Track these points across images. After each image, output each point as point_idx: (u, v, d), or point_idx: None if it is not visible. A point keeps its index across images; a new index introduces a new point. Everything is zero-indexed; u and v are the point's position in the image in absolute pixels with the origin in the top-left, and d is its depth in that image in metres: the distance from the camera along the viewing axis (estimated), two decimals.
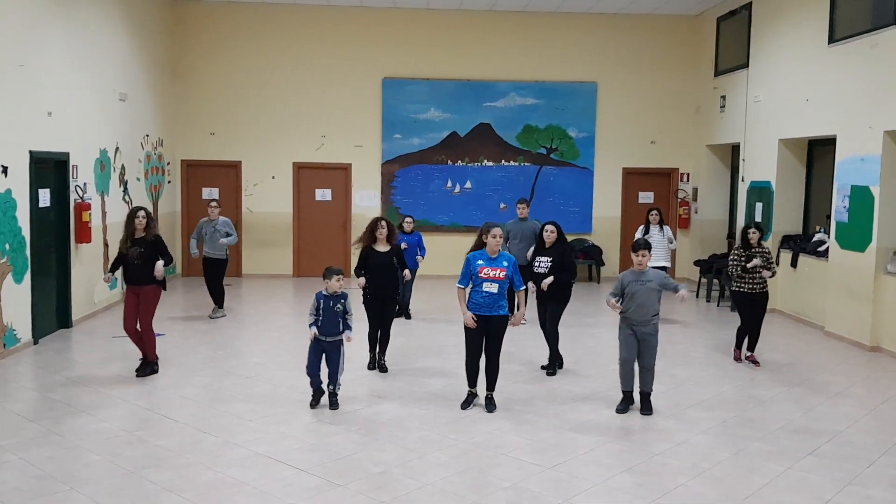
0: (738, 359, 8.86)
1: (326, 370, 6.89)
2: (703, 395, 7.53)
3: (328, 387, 6.89)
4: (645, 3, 13.91)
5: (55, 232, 9.75)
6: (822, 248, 10.90)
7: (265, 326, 10.52)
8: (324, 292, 6.80)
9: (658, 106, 15.03)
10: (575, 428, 6.51)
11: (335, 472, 5.49)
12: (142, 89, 12.72)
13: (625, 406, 6.96)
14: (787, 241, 11.89)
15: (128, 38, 12.07)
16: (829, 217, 10.75)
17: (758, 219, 12.39)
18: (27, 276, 8.89)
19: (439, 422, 6.60)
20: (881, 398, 7.57)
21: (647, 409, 6.92)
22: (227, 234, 10.69)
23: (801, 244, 11.57)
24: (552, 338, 8.19)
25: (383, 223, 8.15)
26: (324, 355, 6.85)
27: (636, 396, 7.01)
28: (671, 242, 10.99)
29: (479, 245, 6.99)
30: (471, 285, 6.84)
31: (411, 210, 14.69)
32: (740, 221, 12.99)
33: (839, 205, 10.17)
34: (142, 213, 7.78)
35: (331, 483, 5.30)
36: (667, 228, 11.05)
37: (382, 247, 8.10)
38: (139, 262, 7.69)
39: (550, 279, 8.04)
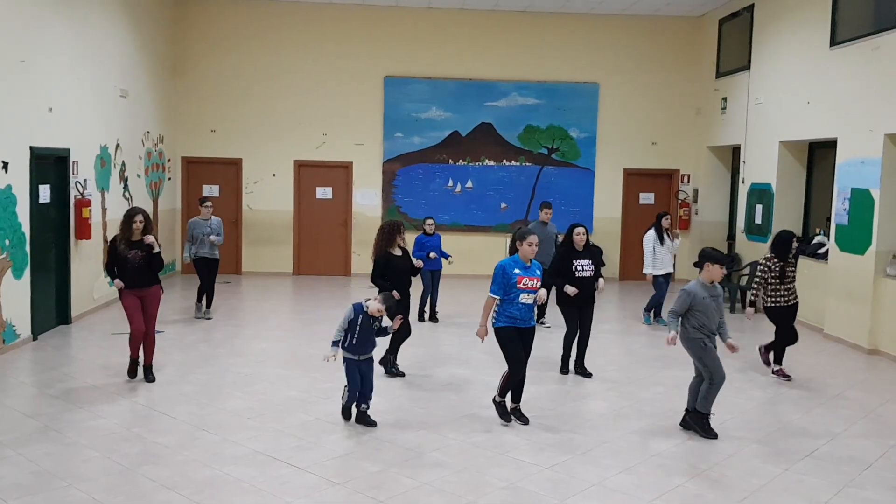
0: (787, 376, 8.19)
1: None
2: None
3: (361, 406, 6.49)
4: (647, 5, 13.91)
5: (55, 228, 9.75)
6: (821, 251, 10.89)
7: (264, 325, 10.53)
8: (364, 308, 6.35)
9: (659, 107, 15.02)
10: (573, 428, 6.51)
11: (333, 470, 5.49)
12: (143, 86, 12.72)
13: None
14: None
15: (129, 35, 12.07)
16: (828, 219, 10.75)
17: (758, 221, 12.40)
18: (27, 272, 8.90)
19: (437, 421, 6.60)
20: (879, 401, 7.57)
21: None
22: (218, 234, 10.69)
23: (801, 246, 11.52)
24: (587, 339, 8.17)
25: (403, 227, 8.00)
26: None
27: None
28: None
29: (513, 251, 6.48)
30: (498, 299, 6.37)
31: (412, 209, 14.71)
32: (740, 223, 13.00)
33: (839, 207, 10.17)
34: (139, 216, 7.45)
35: (329, 482, 5.30)
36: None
37: (398, 251, 8.01)
38: (141, 263, 7.48)
39: (602, 282, 8.18)
